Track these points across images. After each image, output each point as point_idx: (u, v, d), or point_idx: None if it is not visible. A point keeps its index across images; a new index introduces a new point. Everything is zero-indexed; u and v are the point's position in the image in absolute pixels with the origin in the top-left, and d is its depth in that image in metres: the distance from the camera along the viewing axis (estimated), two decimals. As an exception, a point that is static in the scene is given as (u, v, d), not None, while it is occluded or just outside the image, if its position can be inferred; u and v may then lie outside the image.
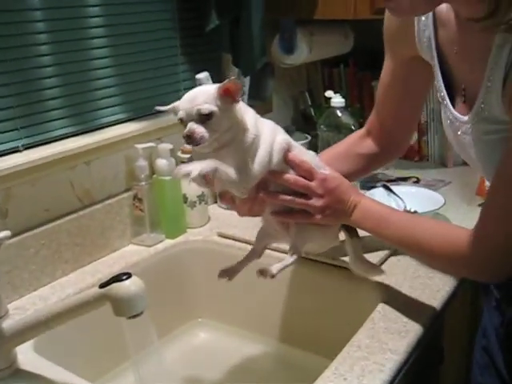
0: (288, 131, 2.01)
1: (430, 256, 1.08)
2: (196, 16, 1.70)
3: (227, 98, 1.00)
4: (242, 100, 1.05)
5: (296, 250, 1.13)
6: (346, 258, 1.26)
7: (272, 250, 1.34)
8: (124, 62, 1.55)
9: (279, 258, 1.16)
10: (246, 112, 1.06)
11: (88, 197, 1.47)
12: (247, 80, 1.75)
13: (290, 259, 1.12)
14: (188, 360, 1.49)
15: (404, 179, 1.94)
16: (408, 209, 1.60)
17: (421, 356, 1.12)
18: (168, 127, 1.61)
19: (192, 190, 1.58)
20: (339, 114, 1.64)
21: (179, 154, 1.60)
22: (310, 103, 2.21)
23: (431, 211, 1.52)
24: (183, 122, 1.01)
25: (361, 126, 1.43)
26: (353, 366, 1.02)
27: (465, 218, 1.54)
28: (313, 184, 1.10)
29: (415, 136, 2.11)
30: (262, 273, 1.09)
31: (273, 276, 1.09)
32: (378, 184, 1.79)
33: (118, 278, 0.94)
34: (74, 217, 1.42)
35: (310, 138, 2.01)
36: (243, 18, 1.64)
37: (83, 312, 0.98)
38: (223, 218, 1.66)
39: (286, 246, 1.17)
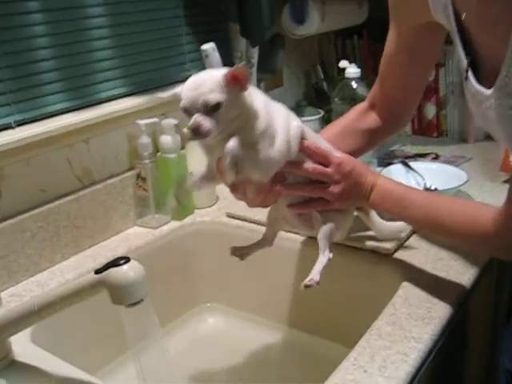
0: (299, 106, 1.98)
1: (456, 236, 1.03)
2: (201, -17, 1.61)
3: (235, 85, 0.91)
4: (251, 73, 0.95)
5: (327, 246, 1.06)
6: (361, 236, 1.23)
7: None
8: (125, 32, 1.47)
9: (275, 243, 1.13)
10: (255, 97, 0.96)
11: (88, 176, 1.39)
12: (256, 52, 1.65)
13: (324, 258, 1.04)
14: (195, 347, 1.43)
15: (422, 155, 1.85)
16: (428, 186, 1.51)
17: (446, 344, 1.03)
18: (172, 102, 1.50)
19: (199, 167, 1.49)
20: (354, 85, 1.54)
21: (185, 130, 1.51)
22: (322, 76, 2.11)
23: (453, 188, 1.43)
24: (187, 112, 0.92)
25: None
26: (373, 357, 0.94)
27: (490, 196, 1.46)
28: (329, 170, 1.04)
29: (433, 110, 2.02)
30: (308, 286, 1.01)
31: (319, 283, 1.01)
32: (396, 160, 1.71)
33: (115, 263, 0.86)
34: (73, 197, 1.34)
35: (322, 113, 1.92)
36: (251, -15, 1.54)
37: (78, 300, 0.90)
38: (232, 197, 1.56)
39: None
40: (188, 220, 1.52)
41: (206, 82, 0.91)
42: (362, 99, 1.32)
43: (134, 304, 0.86)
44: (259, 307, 1.48)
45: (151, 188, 1.45)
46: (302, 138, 1.02)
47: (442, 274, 1.16)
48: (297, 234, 1.13)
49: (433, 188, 1.50)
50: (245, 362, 1.35)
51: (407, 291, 1.11)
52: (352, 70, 1.55)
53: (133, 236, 1.44)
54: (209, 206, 1.57)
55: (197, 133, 0.90)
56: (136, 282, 0.86)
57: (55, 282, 1.24)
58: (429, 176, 1.54)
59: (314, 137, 1.06)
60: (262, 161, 0.95)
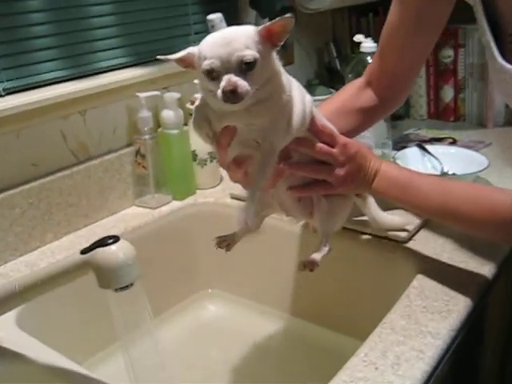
0: (311, 85, 1.88)
1: (469, 224, 0.97)
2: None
3: (267, 41, 0.80)
4: (288, 32, 0.84)
5: (328, 236, 0.99)
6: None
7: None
8: (126, -1, 1.38)
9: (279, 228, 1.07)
10: (278, 63, 0.86)
11: (83, 151, 1.31)
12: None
13: (325, 248, 0.98)
14: (195, 335, 1.36)
15: (438, 140, 1.76)
16: (446, 171, 1.43)
17: (464, 340, 0.95)
18: (176, 74, 1.43)
19: (203, 145, 1.41)
20: (370, 60, 1.44)
21: (188, 105, 1.43)
22: (335, 55, 2.02)
23: (472, 174, 1.34)
24: (213, 73, 0.79)
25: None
26: (385, 352, 0.85)
27: (511, 182, 1.38)
28: (335, 151, 0.96)
29: (451, 93, 1.93)
30: (307, 266, 0.95)
31: (318, 265, 0.95)
32: (411, 144, 1.62)
33: (102, 242, 0.78)
34: (66, 173, 1.26)
35: (334, 92, 1.82)
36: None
37: (63, 282, 0.83)
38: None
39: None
40: (190, 200, 1.44)
41: (239, 36, 0.79)
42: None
43: (123, 288, 0.79)
44: (263, 294, 1.40)
45: (151, 166, 1.37)
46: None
47: (461, 265, 1.08)
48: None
49: (450, 173, 1.41)
50: (246, 352, 1.28)
51: (423, 282, 1.03)
52: (368, 45, 1.45)
53: (130, 216, 1.36)
54: (212, 187, 1.49)
55: (234, 95, 0.77)
56: (125, 264, 0.78)
57: (45, 262, 1.17)
58: (446, 160, 1.45)
59: (318, 115, 0.97)
60: (278, 133, 0.86)
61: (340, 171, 0.96)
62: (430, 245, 1.15)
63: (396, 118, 1.86)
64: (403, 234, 1.16)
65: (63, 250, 1.22)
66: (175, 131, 1.38)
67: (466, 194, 0.96)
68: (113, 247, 0.78)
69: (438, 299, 0.97)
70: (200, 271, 1.45)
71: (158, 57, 0.84)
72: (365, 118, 1.16)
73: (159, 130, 1.39)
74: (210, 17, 1.36)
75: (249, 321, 1.38)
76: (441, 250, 1.13)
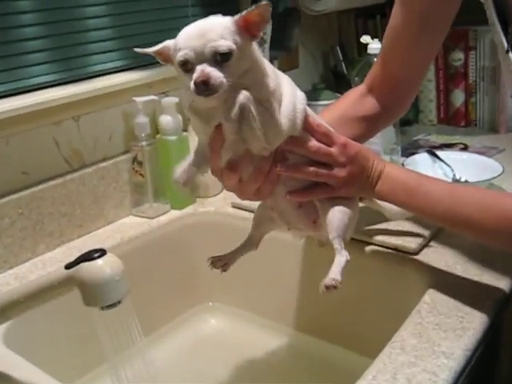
0: (316, 89, 1.83)
1: (483, 233, 0.91)
2: None
3: (246, 32, 0.77)
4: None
5: (343, 245, 0.90)
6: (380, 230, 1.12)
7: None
8: (122, -1, 1.33)
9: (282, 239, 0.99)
10: (260, 54, 0.82)
11: (77, 159, 1.25)
12: (269, 27, 1.51)
13: (342, 258, 0.88)
14: (195, 349, 1.31)
15: (449, 146, 1.70)
16: (458, 177, 1.37)
17: (479, 358, 0.88)
18: (174, 78, 1.35)
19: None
20: (377, 63, 1.39)
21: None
22: (341, 58, 1.96)
23: (485, 181, 1.28)
24: (188, 64, 0.75)
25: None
26: (395, 375, 0.79)
27: (526, 190, 1.31)
28: (334, 151, 0.90)
29: (462, 97, 1.87)
30: (329, 287, 0.85)
31: (341, 283, 0.86)
32: (420, 150, 1.56)
33: (87, 257, 0.73)
34: (59, 181, 1.21)
35: (340, 96, 1.76)
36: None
37: (46, 298, 0.77)
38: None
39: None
40: (189, 210, 1.38)
41: (214, 27, 0.76)
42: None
43: (110, 306, 0.72)
44: (265, 308, 1.35)
45: (149, 173, 1.31)
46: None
47: (475, 278, 1.01)
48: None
49: (463, 180, 1.35)
50: (247, 368, 1.23)
51: (435, 297, 0.96)
52: (375, 46, 1.39)
53: (127, 226, 1.31)
54: (213, 195, 1.43)
55: (207, 86, 0.74)
56: (112, 280, 0.73)
57: (35, 275, 1.11)
58: (458, 167, 1.40)
59: (313, 114, 0.91)
60: (269, 125, 0.81)
61: (341, 172, 0.90)
62: (442, 256, 1.09)
63: (405, 123, 1.80)
64: (413, 245, 1.10)
65: (55, 261, 1.16)
66: (174, 137, 1.32)
67: (478, 200, 0.90)
68: (99, 262, 0.72)
69: (452, 315, 0.91)
70: (200, 284, 1.39)
71: (136, 49, 0.83)
72: (368, 126, 1.09)
73: (157, 136, 1.34)
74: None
75: (250, 335, 1.33)
76: (453, 262, 1.07)
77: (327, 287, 0.84)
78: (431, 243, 1.14)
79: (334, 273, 0.85)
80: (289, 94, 0.84)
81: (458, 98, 1.88)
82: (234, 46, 0.75)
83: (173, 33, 1.13)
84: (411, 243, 1.11)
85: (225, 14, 1.27)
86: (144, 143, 1.30)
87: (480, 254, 1.08)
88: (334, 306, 1.20)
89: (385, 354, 0.83)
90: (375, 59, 1.38)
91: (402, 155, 1.51)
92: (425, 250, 1.11)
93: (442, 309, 0.93)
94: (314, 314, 1.26)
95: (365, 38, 1.43)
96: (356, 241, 1.14)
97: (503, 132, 1.82)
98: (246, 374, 1.21)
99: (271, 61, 1.57)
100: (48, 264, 1.15)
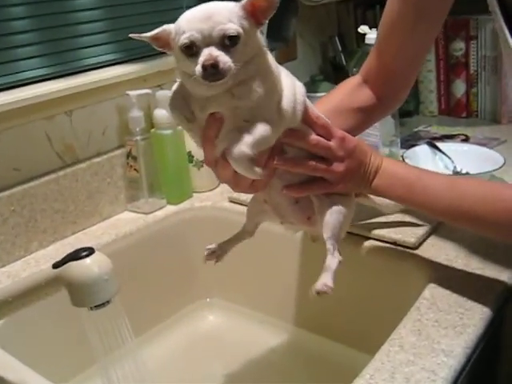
0: (314, 81, 1.80)
1: (485, 226, 0.89)
2: None
3: (252, 17, 0.75)
4: (273, 9, 0.76)
5: (336, 246, 0.87)
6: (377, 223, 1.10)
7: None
8: (115, -9, 1.31)
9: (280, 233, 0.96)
10: (264, 43, 0.80)
11: (70, 154, 1.23)
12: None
13: (334, 260, 0.86)
14: (193, 347, 1.29)
15: (450, 137, 1.67)
16: (458, 169, 1.35)
17: (480, 356, 0.86)
18: (169, 71, 1.35)
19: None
20: (376, 53, 1.36)
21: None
22: (340, 49, 1.93)
23: (486, 172, 1.26)
24: (193, 47, 0.73)
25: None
26: (394, 374, 0.77)
27: (528, 182, 1.28)
28: (333, 144, 0.88)
29: (463, 88, 1.84)
30: (320, 293, 0.83)
31: (332, 289, 0.84)
32: (421, 142, 1.55)
33: (75, 256, 0.70)
34: (52, 177, 1.19)
35: (340, 86, 1.74)
36: None
37: (34, 299, 0.75)
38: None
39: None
40: (186, 205, 1.36)
41: (222, 10, 0.73)
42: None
43: (99, 306, 0.70)
44: (264, 304, 1.33)
45: (144, 168, 1.29)
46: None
47: (477, 272, 0.99)
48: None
49: (464, 172, 1.33)
50: (246, 365, 1.21)
51: (434, 293, 0.94)
52: (373, 36, 1.36)
53: (122, 222, 1.29)
54: (209, 190, 1.41)
55: (216, 71, 0.71)
56: (101, 280, 0.71)
57: (28, 273, 1.08)
58: (459, 159, 1.38)
59: (312, 106, 0.89)
60: (268, 116, 0.78)
61: (339, 167, 0.88)
62: (443, 250, 1.07)
63: (405, 114, 1.77)
64: (413, 239, 1.08)
65: (49, 259, 1.13)
66: (169, 131, 1.30)
67: (478, 193, 0.88)
68: (87, 260, 0.71)
69: (452, 312, 0.89)
70: (197, 279, 1.37)
71: (130, 35, 0.79)
72: (363, 117, 1.07)
73: (152, 130, 1.32)
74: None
75: (249, 331, 1.31)
76: (454, 256, 1.04)
77: (318, 293, 0.83)
78: (431, 236, 1.12)
79: (326, 277, 0.84)
80: (288, 85, 0.82)
81: (459, 88, 1.85)
82: (241, 30, 0.72)
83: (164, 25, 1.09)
84: (411, 237, 1.08)
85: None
86: (138, 138, 1.27)
87: (481, 246, 1.06)
88: (333, 302, 1.15)
89: (383, 352, 0.81)
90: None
91: (403, 147, 1.49)
92: (425, 244, 1.09)
93: (441, 305, 0.90)
94: (313, 310, 1.24)
95: (362, 28, 1.40)
96: (354, 235, 1.12)
97: (505, 122, 1.79)
98: (245, 371, 1.19)
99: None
100: (41, 262, 1.13)
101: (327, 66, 1.99)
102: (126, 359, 0.74)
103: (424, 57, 1.12)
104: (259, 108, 0.77)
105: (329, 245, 0.87)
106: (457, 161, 1.37)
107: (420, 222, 1.13)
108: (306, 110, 0.85)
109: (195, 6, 1.22)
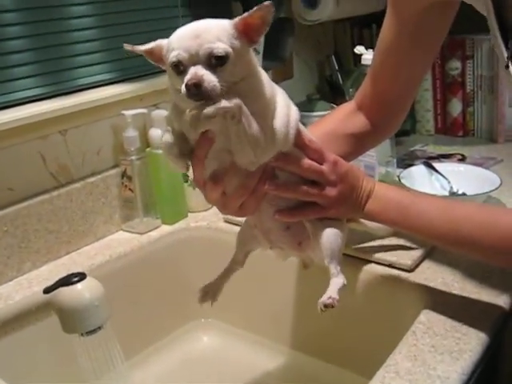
0: (311, 100, 1.80)
1: (482, 253, 0.89)
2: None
3: (245, 36, 0.73)
4: (266, 27, 0.74)
5: (337, 264, 0.86)
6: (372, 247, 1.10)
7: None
8: (111, 10, 1.31)
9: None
10: (257, 62, 0.78)
11: (65, 174, 1.22)
12: (261, 37, 1.48)
13: (339, 281, 0.85)
14: (187, 368, 1.27)
15: (447, 156, 1.67)
16: (455, 190, 1.34)
17: (477, 382, 0.85)
18: (165, 90, 1.33)
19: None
20: (372, 73, 1.36)
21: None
22: (337, 68, 1.93)
23: (483, 194, 1.25)
24: (180, 66, 0.71)
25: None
26: (389, 401, 0.76)
27: (525, 203, 1.28)
28: (325, 169, 0.86)
29: (459, 107, 1.84)
30: (328, 306, 0.82)
31: (338, 301, 0.82)
32: (417, 162, 1.54)
33: (66, 281, 0.70)
34: (46, 197, 1.18)
35: (336, 107, 1.73)
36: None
37: (24, 324, 0.73)
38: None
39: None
40: (180, 225, 1.35)
41: (211, 28, 0.72)
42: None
43: (90, 332, 0.69)
44: (260, 325, 1.31)
45: (138, 188, 1.28)
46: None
47: (473, 296, 0.98)
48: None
49: (460, 192, 1.33)
50: (241, 387, 1.19)
51: (430, 317, 0.93)
52: (369, 57, 1.36)
53: (117, 242, 1.28)
54: (205, 210, 1.40)
55: (199, 90, 0.69)
56: (92, 306, 0.70)
57: (20, 295, 1.06)
58: (455, 179, 1.37)
59: (305, 130, 0.87)
60: (259, 139, 0.76)
61: (331, 191, 0.87)
62: (439, 273, 1.06)
63: (402, 133, 1.76)
64: (409, 262, 1.07)
65: (42, 279, 1.12)
66: (164, 151, 1.29)
67: (476, 219, 0.87)
68: (78, 286, 0.69)
69: (448, 337, 0.88)
70: (192, 300, 1.33)
71: (125, 45, 0.78)
72: (356, 143, 1.06)
73: (147, 150, 1.31)
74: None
75: (244, 353, 1.29)
76: (451, 279, 1.04)
77: (326, 305, 0.81)
78: (427, 259, 1.11)
79: (332, 291, 0.82)
80: (283, 107, 0.80)
81: (456, 107, 1.85)
82: (230, 50, 0.71)
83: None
84: (406, 260, 1.07)
85: (217, 16, 1.25)
86: (133, 157, 1.27)
87: (478, 269, 1.05)
88: (330, 324, 1.16)
89: (378, 379, 0.80)
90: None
91: (399, 166, 1.49)
92: (421, 266, 1.08)
93: (438, 329, 0.89)
94: (309, 332, 1.23)
95: (359, 49, 1.40)
96: (349, 257, 1.11)
97: (501, 142, 1.79)
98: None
99: (265, 72, 1.54)
100: (34, 282, 1.11)
101: (324, 85, 1.99)
102: (118, 383, 0.73)
103: (418, 85, 1.10)
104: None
105: (333, 269, 0.85)
106: (453, 181, 1.36)
107: (415, 245, 1.12)
108: (298, 134, 0.83)
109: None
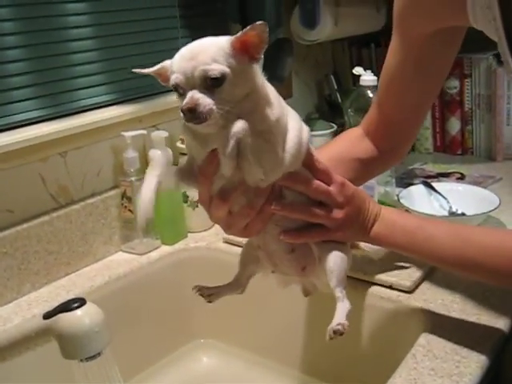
0: (310, 119, 1.81)
1: (494, 277, 0.88)
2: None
3: (244, 54, 0.71)
4: (265, 44, 0.72)
5: (343, 288, 0.85)
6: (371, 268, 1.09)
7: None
8: (111, 32, 1.31)
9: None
10: (264, 79, 0.77)
11: (64, 195, 1.22)
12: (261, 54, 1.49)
13: (345, 306, 0.83)
14: (187, 389, 1.26)
15: (446, 175, 1.68)
16: (454, 210, 1.34)
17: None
18: (164, 112, 1.36)
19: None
20: (370, 94, 1.36)
21: (178, 144, 1.35)
22: (335, 87, 1.94)
23: (482, 214, 1.25)
24: (180, 89, 0.72)
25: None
26: (390, 426, 0.75)
27: (524, 222, 1.28)
28: (333, 190, 0.85)
29: (458, 125, 1.85)
30: (336, 332, 0.80)
31: (347, 324, 0.81)
32: (417, 181, 1.55)
33: (66, 307, 0.69)
34: (45, 219, 1.18)
35: (335, 127, 1.75)
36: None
37: (22, 350, 0.73)
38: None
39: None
40: (180, 245, 1.35)
41: (207, 49, 0.71)
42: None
43: (90, 358, 0.69)
44: (260, 346, 1.30)
45: (138, 209, 1.27)
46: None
47: (473, 318, 0.98)
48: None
49: (459, 212, 1.32)
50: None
51: (430, 340, 0.93)
52: (367, 78, 1.37)
53: (116, 263, 1.27)
54: (204, 230, 1.40)
55: (194, 114, 0.69)
56: (92, 332, 0.69)
57: (20, 317, 1.06)
58: (454, 199, 1.37)
59: (313, 150, 0.86)
60: (269, 158, 0.75)
61: (339, 213, 0.85)
62: (438, 294, 1.06)
63: (400, 152, 1.77)
64: (408, 283, 1.07)
65: (41, 301, 1.12)
66: (164, 172, 1.29)
67: (485, 243, 0.86)
68: (78, 312, 0.69)
69: (448, 359, 0.87)
70: (192, 320, 1.35)
71: (133, 70, 0.78)
72: (362, 169, 1.05)
73: (147, 170, 1.31)
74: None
75: (244, 374, 1.28)
76: (450, 301, 1.03)
77: (335, 332, 0.79)
78: (427, 280, 1.10)
79: (340, 318, 0.81)
80: (295, 128, 0.79)
81: (454, 125, 1.86)
82: (227, 70, 0.70)
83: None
84: (406, 281, 1.07)
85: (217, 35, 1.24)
86: (133, 178, 1.27)
87: (478, 290, 1.05)
88: (329, 345, 1.15)
89: (378, 403, 0.80)
90: (368, 91, 1.37)
91: (398, 185, 1.49)
92: (420, 287, 1.08)
93: (438, 352, 0.89)
94: (309, 352, 1.22)
95: (357, 70, 1.40)
96: (349, 278, 1.09)
97: (500, 160, 1.80)
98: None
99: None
100: (33, 304, 1.11)
101: (323, 105, 2.00)
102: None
103: (425, 112, 1.09)
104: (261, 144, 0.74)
105: (338, 293, 0.84)
106: (452, 201, 1.36)
107: (414, 266, 1.12)
108: (308, 153, 0.82)
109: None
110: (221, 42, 0.72)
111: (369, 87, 1.37)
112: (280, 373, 1.27)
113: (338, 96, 1.92)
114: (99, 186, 1.29)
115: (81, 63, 1.26)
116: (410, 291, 1.07)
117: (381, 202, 1.26)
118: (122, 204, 1.29)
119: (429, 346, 0.91)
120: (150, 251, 1.31)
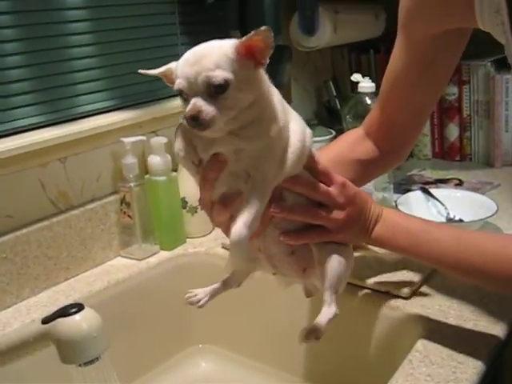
0: (309, 125, 1.80)
1: (493, 281, 0.87)
2: (198, -13, 1.45)
3: (249, 59, 0.70)
4: (271, 49, 0.71)
5: (334, 294, 0.84)
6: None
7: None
8: (110, 39, 1.32)
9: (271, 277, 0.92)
10: (269, 83, 0.77)
11: (64, 200, 1.23)
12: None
13: (330, 311, 0.82)
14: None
15: (444, 181, 1.68)
16: (452, 216, 1.34)
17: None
18: (164, 117, 1.36)
19: (193, 192, 1.33)
20: (368, 101, 1.37)
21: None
22: (334, 94, 1.95)
23: (480, 220, 1.26)
24: (184, 94, 0.71)
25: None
26: (386, 432, 0.76)
27: (522, 229, 1.28)
28: (333, 191, 0.84)
29: (456, 131, 1.86)
30: (309, 337, 0.80)
31: (322, 332, 0.80)
32: (415, 187, 1.55)
33: (64, 312, 0.70)
34: (45, 224, 1.18)
35: (334, 133, 1.76)
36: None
37: (21, 354, 0.74)
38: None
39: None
40: (179, 251, 1.35)
41: (210, 54, 0.69)
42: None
43: (88, 363, 0.70)
44: (258, 351, 1.30)
45: (137, 215, 1.29)
46: None
47: (470, 324, 0.98)
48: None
49: (457, 219, 1.33)
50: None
51: (427, 345, 0.93)
52: (365, 85, 1.38)
53: (115, 268, 1.28)
54: (203, 236, 1.40)
55: (196, 121, 0.68)
56: (90, 337, 0.70)
57: (19, 322, 1.07)
58: (452, 205, 1.38)
59: (314, 152, 0.85)
60: (273, 157, 0.75)
61: (339, 214, 0.85)
62: (435, 300, 1.06)
63: (399, 158, 1.78)
64: (405, 289, 1.07)
65: (40, 306, 1.13)
66: (163, 178, 1.30)
67: (489, 248, 0.86)
68: (76, 317, 0.70)
69: (445, 365, 0.88)
70: (190, 325, 1.35)
71: (139, 71, 0.77)
72: (363, 170, 1.05)
73: (146, 176, 1.32)
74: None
75: (243, 379, 1.28)
76: (447, 307, 1.04)
77: (309, 332, 0.79)
78: (424, 286, 1.11)
79: (319, 324, 0.80)
80: (298, 132, 0.78)
81: (453, 132, 1.87)
82: (230, 77, 0.69)
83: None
84: (403, 287, 1.08)
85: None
86: (132, 184, 1.27)
87: (475, 296, 1.05)
88: (326, 350, 1.15)
89: (375, 409, 0.80)
90: (366, 98, 1.38)
91: (396, 191, 1.49)
92: (417, 294, 1.08)
93: (434, 358, 0.89)
94: (306, 358, 1.23)
95: (355, 77, 1.41)
96: (347, 284, 1.11)
97: (498, 166, 1.81)
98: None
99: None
100: (32, 309, 1.12)
101: (322, 111, 2.00)
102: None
103: (428, 113, 1.10)
104: (264, 150, 0.74)
105: (326, 296, 0.83)
106: (450, 207, 1.37)
107: (412, 271, 1.12)
108: (310, 155, 0.82)
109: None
110: (225, 47, 0.70)
111: (367, 94, 1.38)
112: (278, 378, 1.27)
113: (337, 102, 1.93)
114: (98, 191, 1.29)
115: (81, 69, 1.26)
116: (407, 297, 1.07)
117: (379, 208, 1.26)
118: (121, 209, 1.29)
119: (426, 351, 0.91)
120: (148, 256, 1.31)
